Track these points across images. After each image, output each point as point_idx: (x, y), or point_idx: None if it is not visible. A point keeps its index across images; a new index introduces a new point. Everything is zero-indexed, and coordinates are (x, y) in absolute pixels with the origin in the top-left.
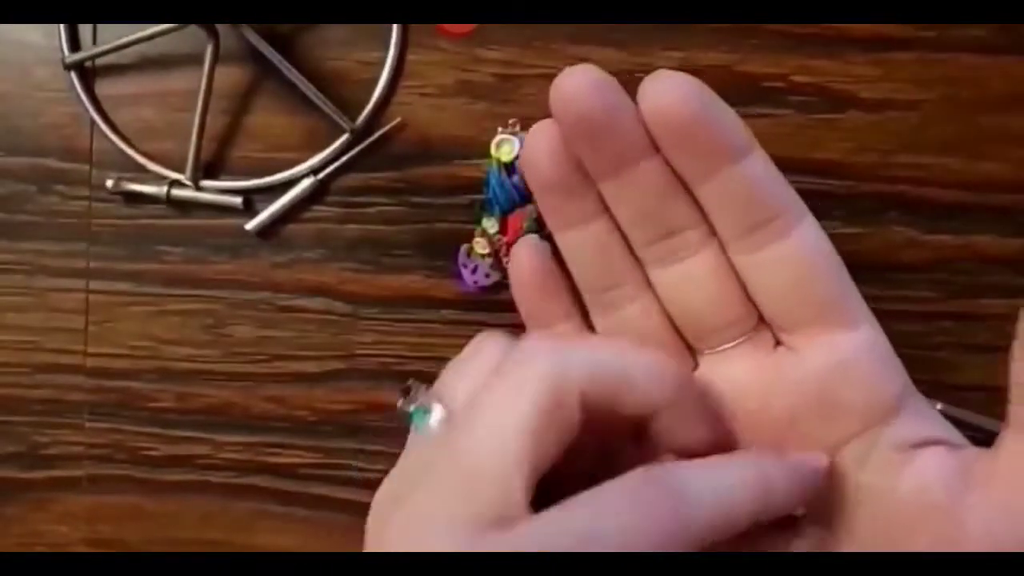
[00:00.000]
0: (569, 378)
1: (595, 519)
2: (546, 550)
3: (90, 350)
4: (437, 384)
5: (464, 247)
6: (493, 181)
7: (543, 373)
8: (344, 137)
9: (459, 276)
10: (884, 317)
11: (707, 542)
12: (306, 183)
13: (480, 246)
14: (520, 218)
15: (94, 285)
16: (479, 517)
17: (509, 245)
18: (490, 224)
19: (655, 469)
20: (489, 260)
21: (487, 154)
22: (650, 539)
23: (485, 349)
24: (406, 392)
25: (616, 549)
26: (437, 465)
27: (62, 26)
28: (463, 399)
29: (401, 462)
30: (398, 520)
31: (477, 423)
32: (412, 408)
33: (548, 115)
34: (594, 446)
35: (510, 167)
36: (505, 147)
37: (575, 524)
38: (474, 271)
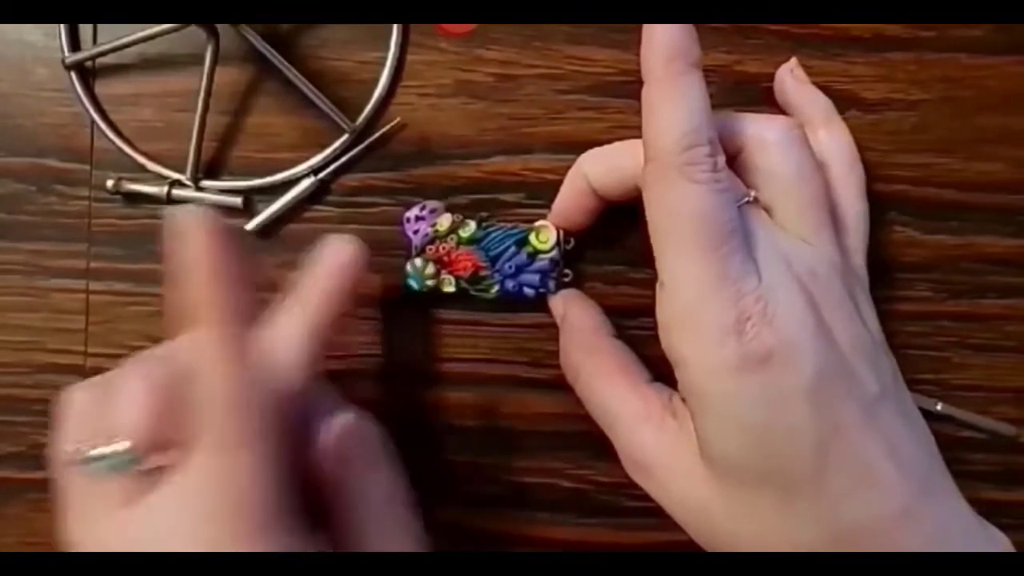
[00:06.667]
0: None
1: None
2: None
3: (90, 350)
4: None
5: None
6: (506, 242)
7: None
8: (344, 137)
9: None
10: (884, 317)
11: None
12: (306, 183)
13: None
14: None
15: (94, 285)
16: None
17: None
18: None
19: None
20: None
21: (487, 154)
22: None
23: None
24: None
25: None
26: None
27: (62, 26)
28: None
29: None
30: None
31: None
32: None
33: (547, 114)
34: None
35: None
36: (543, 234)
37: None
38: (416, 233)
